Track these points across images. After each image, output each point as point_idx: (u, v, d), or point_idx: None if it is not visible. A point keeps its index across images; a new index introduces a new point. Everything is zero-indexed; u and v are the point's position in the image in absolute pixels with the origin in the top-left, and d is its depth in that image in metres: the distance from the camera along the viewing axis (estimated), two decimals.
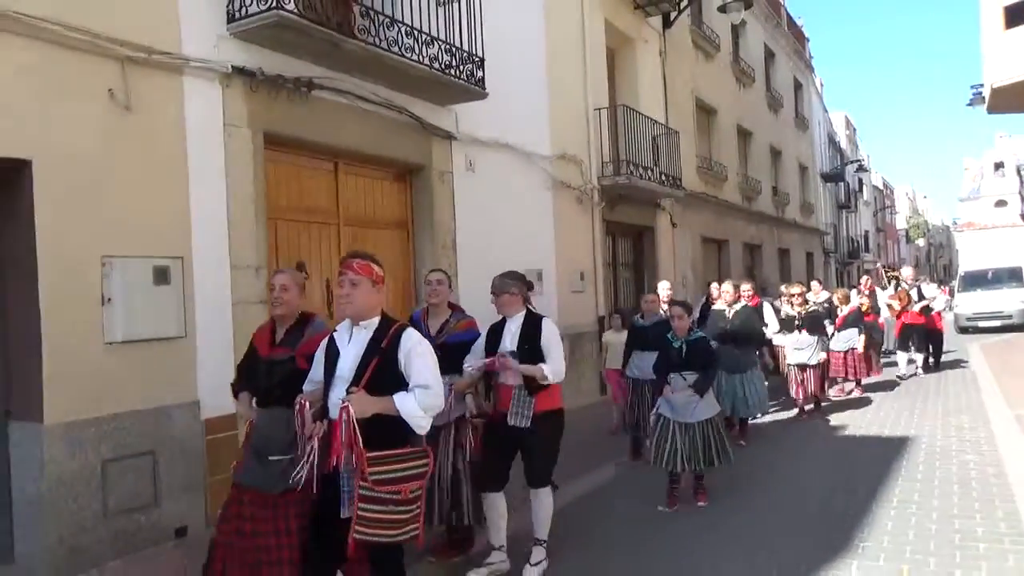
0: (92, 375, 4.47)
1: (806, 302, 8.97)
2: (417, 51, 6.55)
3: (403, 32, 6.40)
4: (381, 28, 6.20)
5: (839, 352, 9.83)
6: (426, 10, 6.71)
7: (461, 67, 7.10)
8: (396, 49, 6.30)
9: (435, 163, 7.58)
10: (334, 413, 3.05)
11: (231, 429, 5.14)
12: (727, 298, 7.64)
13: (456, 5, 7.06)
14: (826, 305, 9.85)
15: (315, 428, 3.10)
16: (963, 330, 20.02)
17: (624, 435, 7.16)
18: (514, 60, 8.68)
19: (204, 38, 5.27)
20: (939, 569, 4.06)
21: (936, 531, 4.65)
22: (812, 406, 8.83)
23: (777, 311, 8.86)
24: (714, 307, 7.90)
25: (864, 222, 42.10)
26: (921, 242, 71.43)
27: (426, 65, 6.63)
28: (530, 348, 4.15)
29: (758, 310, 8.09)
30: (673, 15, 13.54)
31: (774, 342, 8.95)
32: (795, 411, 8.83)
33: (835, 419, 8.58)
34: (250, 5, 5.31)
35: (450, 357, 4.18)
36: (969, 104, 19.22)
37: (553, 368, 4.12)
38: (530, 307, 4.35)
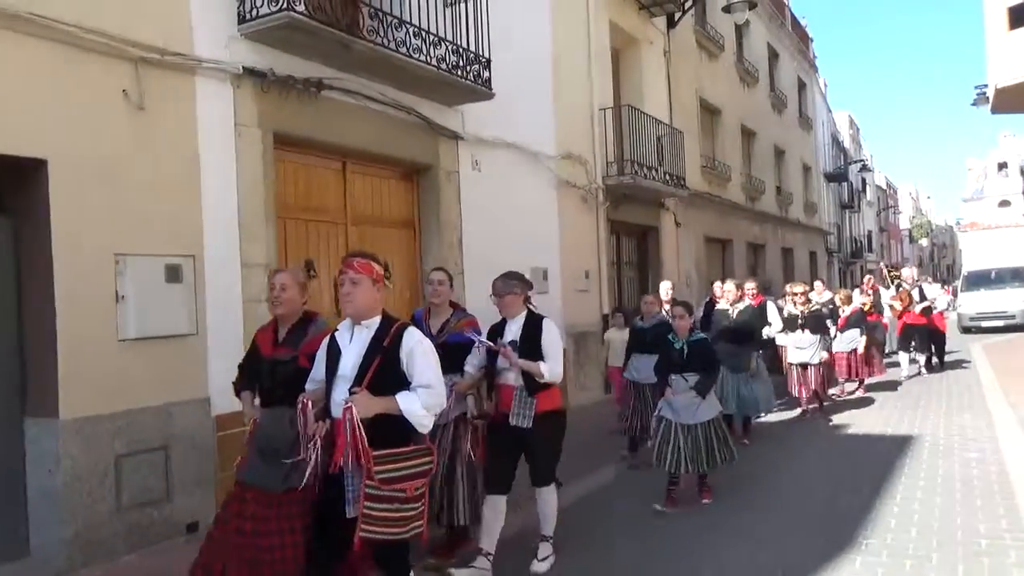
0: (106, 371, 4.54)
1: (809, 301, 9.02)
2: (425, 52, 6.61)
3: (411, 33, 6.46)
4: (389, 29, 6.26)
5: (843, 353, 9.89)
6: (433, 11, 6.77)
7: (468, 68, 7.16)
8: (404, 50, 6.37)
9: (442, 163, 7.64)
10: (336, 412, 3.05)
11: (241, 425, 5.12)
12: (730, 297, 7.68)
13: (463, 6, 7.12)
14: (830, 307, 9.89)
15: (317, 428, 3.11)
16: (966, 330, 20.03)
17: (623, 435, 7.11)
18: (520, 61, 8.74)
19: (216, 39, 5.33)
20: (941, 564, 4.11)
21: (939, 528, 4.69)
22: (815, 405, 8.87)
23: (780, 310, 8.89)
24: (717, 306, 7.91)
25: (867, 222, 42.09)
26: (924, 242, 71.36)
27: (433, 66, 6.69)
28: (531, 348, 4.17)
29: (762, 309, 8.12)
30: (677, 15, 13.59)
31: (776, 341, 8.99)
32: (798, 410, 8.88)
33: (838, 418, 8.62)
34: (261, 7, 5.37)
35: (451, 356, 4.18)
36: (973, 104, 19.21)
37: (551, 368, 4.14)
38: (531, 307, 4.36)
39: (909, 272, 13.47)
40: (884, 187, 52.68)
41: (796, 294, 8.92)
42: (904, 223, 64.34)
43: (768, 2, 20.46)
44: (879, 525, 4.81)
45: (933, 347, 12.43)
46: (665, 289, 8.22)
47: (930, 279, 17.76)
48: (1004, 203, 56.04)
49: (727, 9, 14.87)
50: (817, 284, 11.14)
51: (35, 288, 4.42)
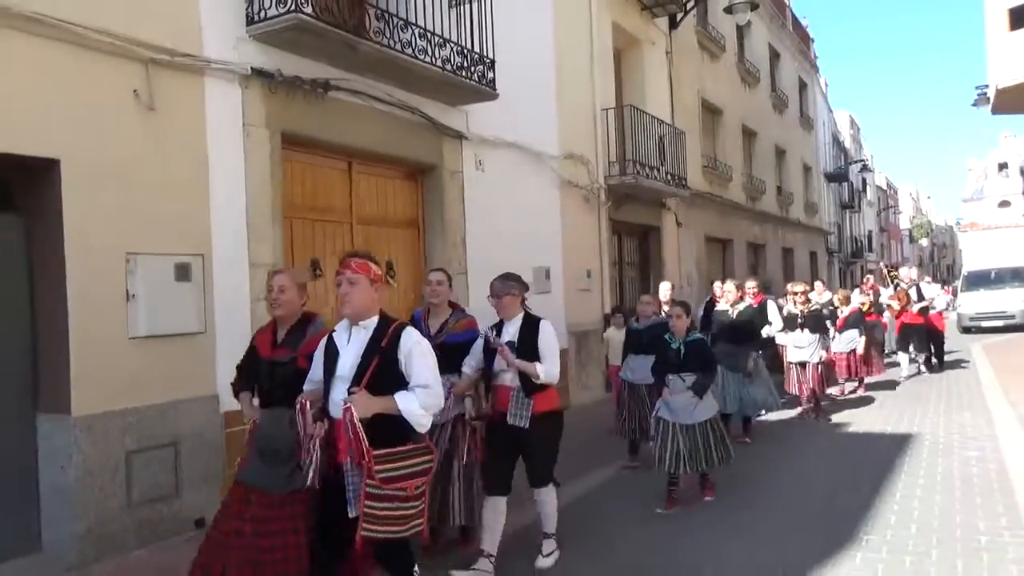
0: (117, 369, 4.60)
1: (809, 301, 9.07)
2: (430, 53, 6.67)
3: (416, 34, 6.52)
4: (395, 30, 6.32)
5: (842, 354, 9.95)
6: (439, 12, 6.83)
7: (472, 68, 7.21)
8: (410, 51, 6.42)
9: (446, 163, 7.69)
10: (335, 412, 3.06)
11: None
12: (730, 298, 7.71)
13: (467, 7, 7.18)
14: (830, 307, 9.95)
15: (316, 428, 3.11)
16: (966, 330, 20.09)
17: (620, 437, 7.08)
18: (523, 61, 8.79)
19: (224, 40, 5.39)
20: (941, 561, 4.17)
21: (938, 525, 4.75)
22: (812, 405, 8.92)
23: (780, 309, 8.93)
24: (717, 306, 7.94)
25: (868, 222, 42.14)
26: (925, 242, 71.39)
27: (438, 66, 6.75)
28: (528, 349, 4.18)
29: (762, 308, 8.15)
30: (679, 16, 13.66)
31: (776, 340, 9.04)
32: (798, 409, 8.93)
33: (838, 417, 8.69)
34: (269, 8, 5.42)
35: (449, 357, 4.21)
36: (973, 104, 19.24)
37: (547, 369, 4.15)
38: (527, 308, 4.37)
39: (907, 272, 13.52)
40: (884, 187, 52.72)
41: (796, 293, 8.98)
42: (904, 223, 64.38)
43: (769, 2, 20.50)
44: (879, 522, 4.86)
45: (932, 347, 12.48)
46: (665, 290, 8.20)
47: (929, 279, 17.77)
48: (1004, 203, 56.08)
49: (728, 10, 14.91)
50: (817, 284, 11.20)
51: (47, 287, 4.48)
